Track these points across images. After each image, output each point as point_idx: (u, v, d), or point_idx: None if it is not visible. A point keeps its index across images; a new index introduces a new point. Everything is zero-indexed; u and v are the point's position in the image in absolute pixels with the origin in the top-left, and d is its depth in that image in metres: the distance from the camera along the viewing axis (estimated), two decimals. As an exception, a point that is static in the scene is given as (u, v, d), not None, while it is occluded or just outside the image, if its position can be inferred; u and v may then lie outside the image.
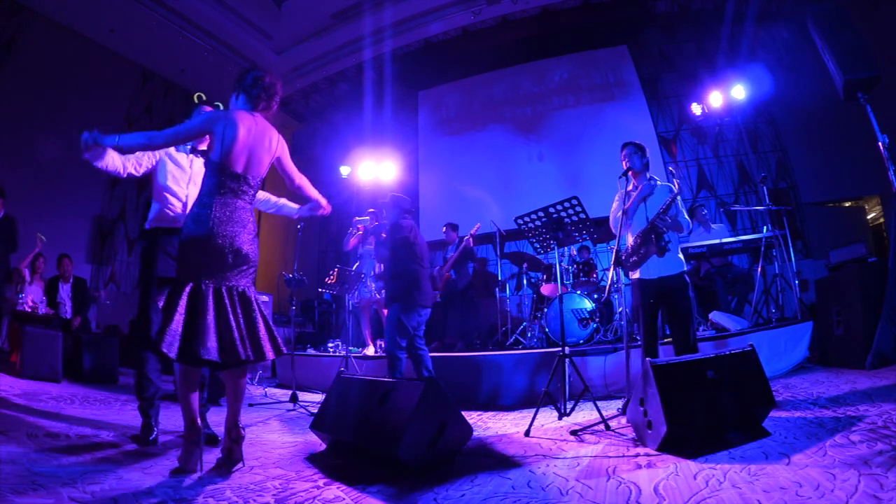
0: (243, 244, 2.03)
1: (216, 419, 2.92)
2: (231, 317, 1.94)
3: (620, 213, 3.03)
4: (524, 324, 5.51)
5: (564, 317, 4.32)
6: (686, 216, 3.05)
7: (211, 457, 2.22)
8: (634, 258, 3.01)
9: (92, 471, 1.85)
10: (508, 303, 5.95)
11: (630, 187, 3.14)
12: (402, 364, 3.52)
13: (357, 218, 5.18)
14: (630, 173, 3.11)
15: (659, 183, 3.11)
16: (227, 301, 1.96)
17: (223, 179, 2.03)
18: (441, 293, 6.05)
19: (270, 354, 2.00)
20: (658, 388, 2.05)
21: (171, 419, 2.76)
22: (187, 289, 1.92)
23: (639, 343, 3.04)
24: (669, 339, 3.15)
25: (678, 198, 3.07)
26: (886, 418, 2.08)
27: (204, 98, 2.67)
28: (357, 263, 5.21)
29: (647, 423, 2.15)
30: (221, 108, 2.61)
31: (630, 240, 3.12)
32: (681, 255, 3.04)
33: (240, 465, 2.00)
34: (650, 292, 2.99)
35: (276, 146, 2.27)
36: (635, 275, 3.07)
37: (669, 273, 2.96)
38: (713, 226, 5.47)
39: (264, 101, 2.18)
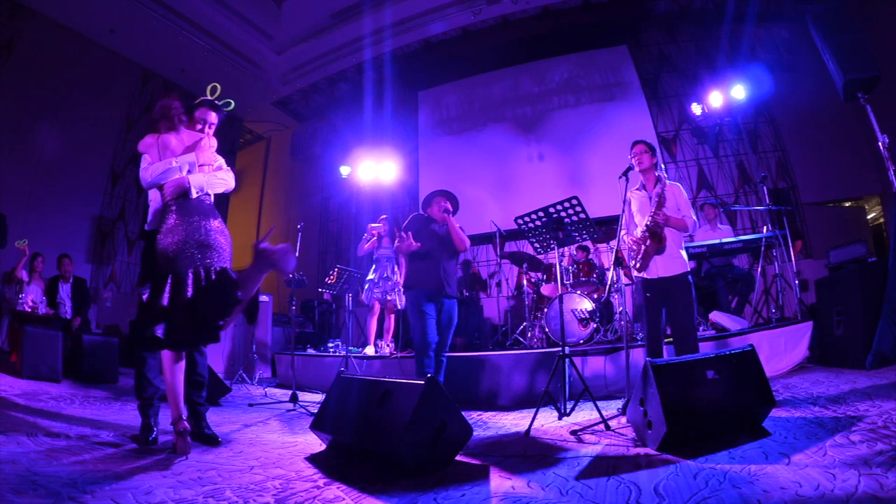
0: (209, 232, 2.29)
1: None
2: (206, 296, 2.16)
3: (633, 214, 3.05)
4: (524, 324, 5.51)
5: (564, 317, 4.32)
6: (692, 214, 3.05)
7: (210, 456, 2.22)
8: (639, 261, 3.02)
9: (92, 471, 1.84)
10: (508, 303, 5.95)
11: (637, 187, 3.17)
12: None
13: (371, 224, 5.35)
14: (637, 171, 3.13)
15: (668, 183, 3.12)
16: (203, 279, 2.19)
17: None
18: None
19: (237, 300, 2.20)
20: (658, 388, 2.05)
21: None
22: (168, 280, 2.16)
23: (639, 343, 3.05)
24: (671, 339, 3.16)
25: (684, 195, 3.08)
26: (886, 418, 2.08)
27: (219, 89, 2.68)
28: (374, 266, 5.27)
29: (647, 423, 2.14)
30: (233, 104, 2.72)
31: (628, 240, 3.14)
32: (684, 255, 3.05)
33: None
34: (653, 292, 3.00)
35: (206, 144, 2.47)
36: (640, 274, 3.08)
37: (673, 273, 2.97)
38: (720, 226, 5.47)
39: (164, 122, 2.42)
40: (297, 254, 4.65)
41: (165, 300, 2.10)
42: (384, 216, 5.49)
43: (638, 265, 3.04)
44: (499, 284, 7.11)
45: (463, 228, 3.72)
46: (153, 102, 9.04)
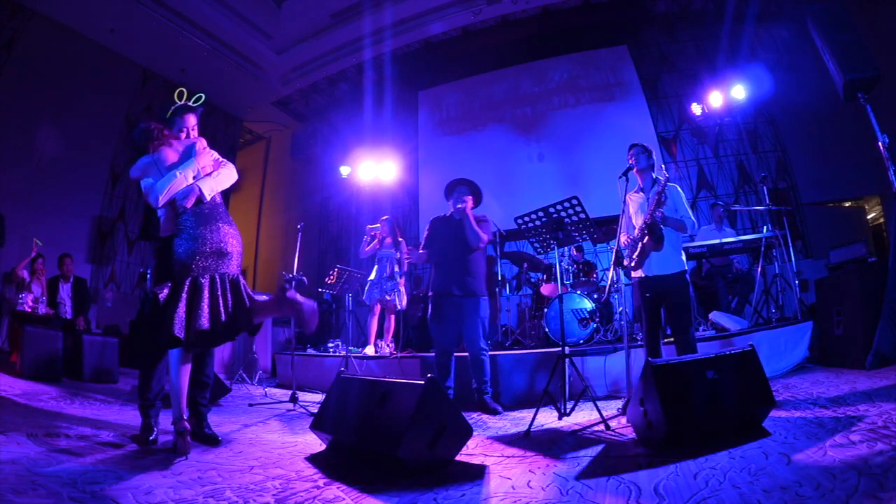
0: (225, 237, 2.39)
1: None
2: (221, 301, 2.27)
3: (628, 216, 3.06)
4: (525, 324, 5.51)
5: (564, 317, 4.32)
6: (691, 215, 3.05)
7: (210, 456, 2.22)
8: (635, 258, 3.02)
9: (92, 471, 1.84)
10: (508, 302, 5.96)
11: (636, 189, 3.18)
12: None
13: (370, 226, 5.38)
14: (635, 171, 3.14)
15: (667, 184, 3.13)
16: (219, 288, 2.29)
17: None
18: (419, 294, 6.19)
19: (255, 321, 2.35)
20: (658, 388, 2.05)
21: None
22: (187, 283, 2.24)
23: (639, 343, 3.04)
24: (671, 339, 3.16)
25: (682, 196, 3.08)
26: (886, 418, 2.08)
27: (185, 92, 2.69)
28: (376, 267, 5.28)
29: (647, 423, 2.14)
30: (203, 97, 2.73)
31: (623, 239, 3.14)
32: (682, 256, 3.05)
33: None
34: (650, 290, 3.00)
35: (202, 148, 2.52)
36: (637, 273, 3.08)
37: (669, 272, 2.97)
38: (725, 228, 5.48)
39: (154, 144, 2.44)
40: (297, 254, 4.66)
41: (183, 303, 2.18)
42: (385, 217, 5.52)
43: (634, 263, 3.04)
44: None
45: (486, 218, 3.62)
46: (153, 102, 9.09)
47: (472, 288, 3.48)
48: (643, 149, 3.19)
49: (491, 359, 4.04)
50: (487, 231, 3.61)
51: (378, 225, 5.40)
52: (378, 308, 5.28)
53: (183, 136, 2.56)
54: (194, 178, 2.38)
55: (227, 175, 2.54)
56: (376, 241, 5.34)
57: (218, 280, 2.31)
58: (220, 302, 2.27)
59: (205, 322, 2.19)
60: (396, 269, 5.26)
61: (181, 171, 2.35)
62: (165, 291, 2.24)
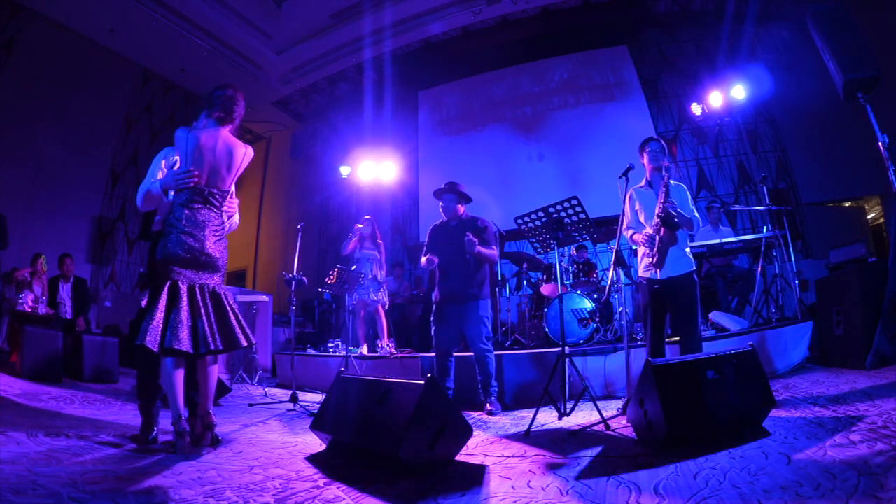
0: (211, 249, 2.32)
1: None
2: (202, 311, 2.23)
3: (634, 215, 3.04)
4: (525, 324, 5.51)
5: (564, 317, 4.32)
6: (696, 213, 3.03)
7: (210, 456, 2.22)
8: (656, 255, 2.93)
9: (92, 471, 1.84)
10: (508, 303, 5.95)
11: (643, 183, 3.16)
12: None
13: (358, 225, 5.37)
14: (649, 168, 3.13)
15: (672, 182, 3.11)
16: (199, 298, 2.24)
17: (189, 192, 2.29)
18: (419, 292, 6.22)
19: (243, 342, 2.32)
20: (658, 388, 2.05)
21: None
22: (165, 288, 2.19)
23: (639, 343, 3.03)
24: (673, 339, 3.15)
25: (688, 195, 3.07)
26: (886, 418, 2.08)
27: None
28: (354, 267, 5.27)
29: (647, 423, 2.14)
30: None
31: (639, 237, 3.07)
32: (689, 253, 3.04)
33: (209, 449, 2.24)
34: (659, 292, 2.96)
35: (241, 161, 2.48)
36: (646, 274, 3.03)
37: (680, 272, 2.95)
38: (721, 227, 5.48)
39: (221, 113, 2.40)
40: (297, 254, 4.67)
41: (161, 310, 2.14)
42: (367, 217, 5.49)
43: (654, 260, 2.94)
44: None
45: (486, 225, 3.65)
46: (153, 102, 9.09)
47: (473, 294, 3.54)
48: (663, 147, 3.15)
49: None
50: (492, 240, 3.66)
51: (361, 225, 5.38)
52: (363, 312, 5.28)
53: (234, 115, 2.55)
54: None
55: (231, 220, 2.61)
56: (356, 239, 5.31)
57: (197, 289, 2.26)
58: (202, 311, 2.22)
59: (184, 330, 2.14)
60: (380, 272, 5.27)
61: (167, 185, 2.29)
62: (146, 298, 2.26)
